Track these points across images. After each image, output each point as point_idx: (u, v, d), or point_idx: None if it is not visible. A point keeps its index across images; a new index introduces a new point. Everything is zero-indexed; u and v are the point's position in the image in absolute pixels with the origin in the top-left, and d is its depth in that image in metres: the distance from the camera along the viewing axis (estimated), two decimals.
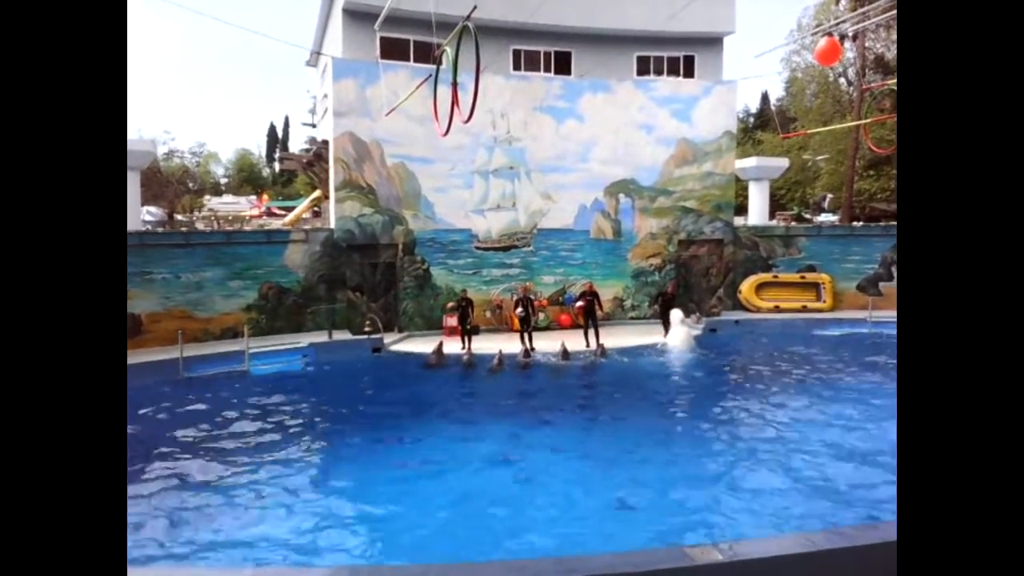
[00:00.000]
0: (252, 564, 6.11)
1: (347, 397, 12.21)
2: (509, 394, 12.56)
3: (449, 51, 8.39)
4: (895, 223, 22.61)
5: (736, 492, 7.60)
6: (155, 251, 15.77)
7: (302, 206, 31.89)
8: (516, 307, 16.14)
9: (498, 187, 18.91)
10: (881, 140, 28.21)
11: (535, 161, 19.09)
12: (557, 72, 20.22)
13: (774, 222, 30.52)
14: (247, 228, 28.00)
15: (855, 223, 29.00)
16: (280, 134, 70.90)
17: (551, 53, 20.30)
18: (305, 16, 65.45)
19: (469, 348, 15.52)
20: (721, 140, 20.06)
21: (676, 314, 16.53)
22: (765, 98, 57.22)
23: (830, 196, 38.50)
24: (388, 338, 16.58)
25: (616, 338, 16.61)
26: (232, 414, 10.83)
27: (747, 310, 20.22)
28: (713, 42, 21.09)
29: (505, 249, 19.07)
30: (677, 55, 21.02)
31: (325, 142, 19.29)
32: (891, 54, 32.87)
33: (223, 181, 61.21)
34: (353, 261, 17.66)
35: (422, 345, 16.08)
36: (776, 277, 20.72)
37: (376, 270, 18.02)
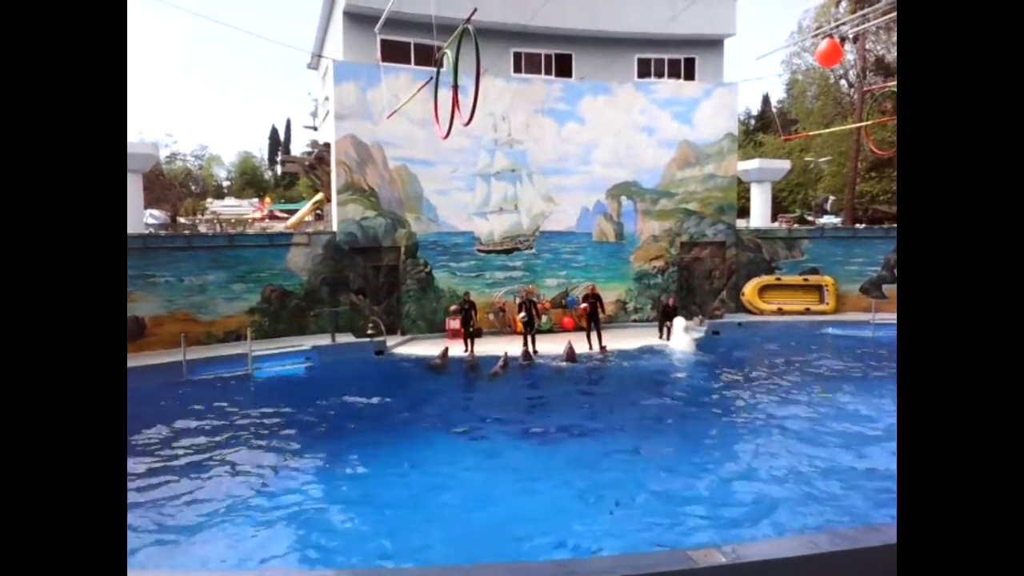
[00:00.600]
0: (253, 565, 6.11)
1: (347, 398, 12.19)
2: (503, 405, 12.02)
3: (450, 54, 8.40)
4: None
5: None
6: (158, 254, 15.80)
7: (304, 209, 31.90)
8: (520, 310, 16.15)
9: (500, 190, 18.93)
10: (883, 142, 28.18)
11: (536, 163, 19.11)
12: (558, 75, 20.25)
13: (776, 224, 30.53)
14: (250, 231, 28.06)
15: (857, 225, 28.98)
16: (282, 137, 71.03)
17: (552, 56, 20.33)
18: (306, 19, 65.63)
19: (472, 351, 15.53)
20: (722, 142, 20.07)
21: (679, 322, 16.70)
22: (766, 100, 57.34)
23: (832, 198, 38.49)
24: (391, 341, 16.60)
25: (619, 340, 16.62)
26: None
27: (750, 312, 20.21)
28: (714, 44, 21.10)
29: (507, 252, 19.09)
30: (678, 57, 21.03)
31: (327, 145, 19.32)
32: (892, 56, 32.86)
33: (225, 184, 61.31)
34: (356, 264, 17.68)
35: (425, 348, 16.09)
36: (779, 279, 20.71)
37: (379, 273, 18.04)
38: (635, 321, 19.62)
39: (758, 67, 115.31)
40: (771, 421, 10.54)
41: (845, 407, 11.19)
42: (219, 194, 54.06)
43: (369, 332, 16.68)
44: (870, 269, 21.07)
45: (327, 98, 20.09)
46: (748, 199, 26.45)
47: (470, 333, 15.92)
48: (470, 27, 7.57)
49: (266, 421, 10.73)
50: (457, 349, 15.74)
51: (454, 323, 17.44)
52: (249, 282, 16.62)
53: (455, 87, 8.09)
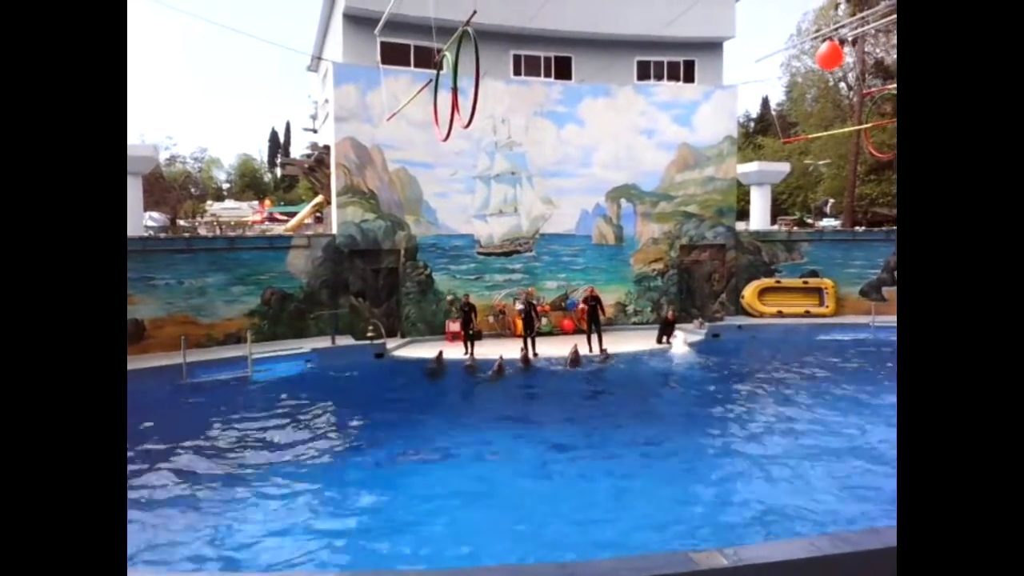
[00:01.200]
0: (255, 566, 6.10)
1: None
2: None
3: (449, 56, 8.41)
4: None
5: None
6: (158, 256, 15.80)
7: (304, 211, 31.88)
8: (520, 313, 16.12)
9: (499, 192, 18.93)
10: (882, 145, 28.19)
11: (536, 166, 19.12)
12: (557, 77, 20.26)
13: (776, 227, 30.55)
14: (250, 234, 28.05)
15: (857, 228, 28.97)
16: (281, 139, 71.07)
17: (551, 58, 20.35)
18: (306, 21, 65.69)
19: (472, 353, 15.51)
20: (722, 145, 20.08)
21: (679, 336, 16.89)
22: (766, 103, 57.33)
23: (832, 201, 38.50)
24: (391, 343, 16.59)
25: (619, 344, 16.62)
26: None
27: (750, 315, 20.21)
28: (713, 47, 21.13)
29: (507, 254, 19.08)
30: (677, 60, 21.05)
31: (326, 147, 19.32)
32: (891, 59, 32.88)
33: (225, 186, 61.36)
34: (355, 266, 17.67)
35: (425, 350, 16.08)
36: (779, 282, 20.71)
37: (378, 275, 18.03)
38: (635, 324, 19.61)
39: (757, 70, 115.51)
40: (770, 422, 10.53)
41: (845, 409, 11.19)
42: (219, 196, 54.09)
43: (369, 335, 16.67)
44: (870, 272, 21.07)
45: (327, 100, 20.10)
46: (748, 202, 26.47)
47: (470, 336, 15.90)
48: (470, 29, 7.57)
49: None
50: (455, 352, 15.72)
51: (454, 325, 17.44)
52: (249, 284, 16.62)
53: (455, 89, 8.09)
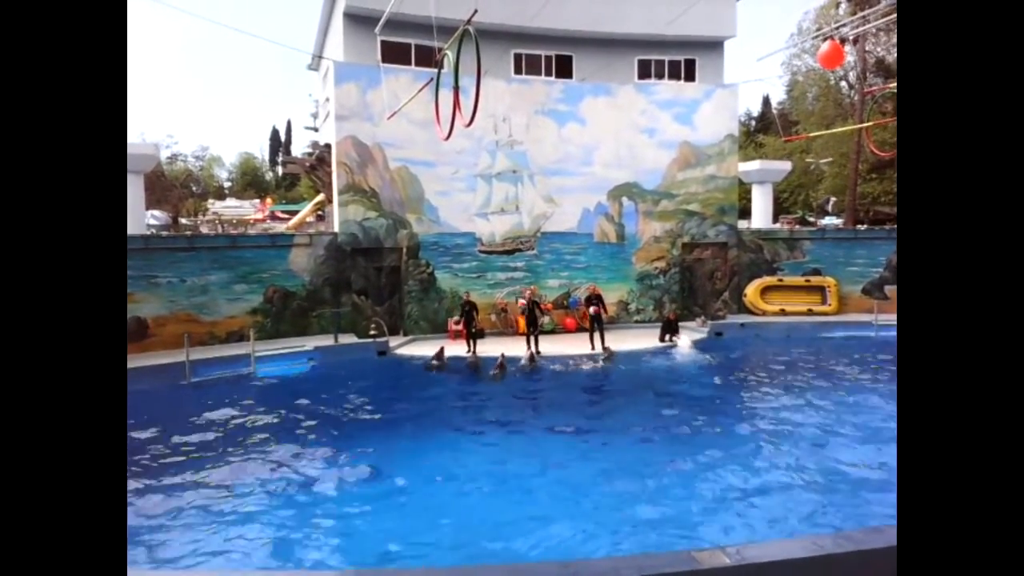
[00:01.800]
0: (255, 567, 6.11)
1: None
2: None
3: (450, 55, 8.40)
4: None
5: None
6: (160, 255, 15.82)
7: (306, 210, 31.97)
8: (522, 311, 16.13)
9: (501, 191, 18.93)
10: (883, 143, 28.15)
11: (537, 164, 19.12)
12: (558, 76, 20.24)
13: (778, 225, 30.53)
14: (251, 232, 28.08)
15: (859, 226, 28.96)
16: (283, 138, 71.08)
17: (552, 57, 20.33)
18: (307, 20, 65.73)
19: (474, 351, 15.52)
20: (723, 143, 20.07)
21: (682, 338, 17.02)
22: (767, 102, 57.31)
23: (834, 199, 38.48)
24: (393, 341, 16.61)
25: (621, 342, 16.62)
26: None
27: (752, 313, 20.20)
28: (714, 46, 21.10)
29: (509, 253, 19.09)
30: (678, 59, 21.02)
31: (328, 146, 19.33)
32: (892, 58, 32.85)
33: (227, 185, 61.43)
34: (358, 265, 17.69)
35: (427, 348, 16.08)
36: (781, 280, 20.70)
37: (381, 274, 18.05)
38: (637, 322, 19.61)
39: (758, 69, 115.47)
40: (772, 423, 10.53)
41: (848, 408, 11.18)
42: (220, 195, 54.17)
43: (371, 333, 16.68)
44: (872, 270, 21.05)
45: (328, 99, 20.10)
46: (749, 200, 26.45)
47: (472, 334, 15.92)
48: (471, 28, 7.57)
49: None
50: (457, 348, 15.73)
51: (456, 324, 17.46)
52: (251, 283, 16.65)
53: (456, 88, 8.08)
